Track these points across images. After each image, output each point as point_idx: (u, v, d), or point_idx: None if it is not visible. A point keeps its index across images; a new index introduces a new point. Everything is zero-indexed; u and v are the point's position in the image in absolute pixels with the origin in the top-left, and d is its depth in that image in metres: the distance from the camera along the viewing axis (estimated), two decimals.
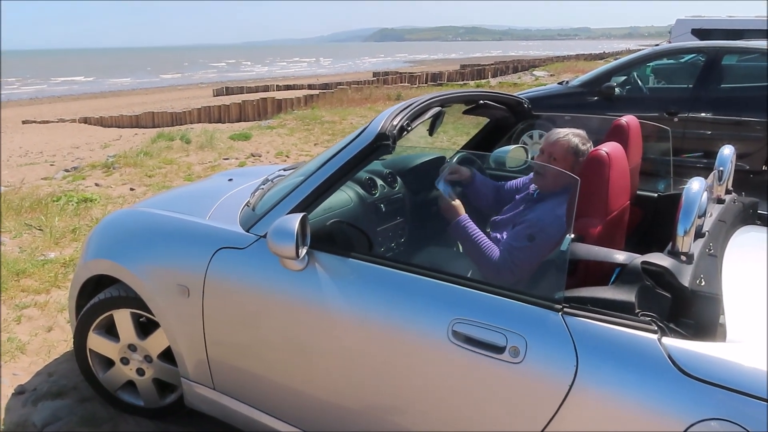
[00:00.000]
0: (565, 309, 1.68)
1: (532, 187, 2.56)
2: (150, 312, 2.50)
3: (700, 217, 1.94)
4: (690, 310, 1.70)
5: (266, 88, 31.99)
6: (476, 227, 2.36)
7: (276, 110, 19.67)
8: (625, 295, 1.67)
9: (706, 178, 2.48)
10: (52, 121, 22.23)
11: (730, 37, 13.46)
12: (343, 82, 29.24)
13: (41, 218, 5.27)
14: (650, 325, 1.59)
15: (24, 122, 22.21)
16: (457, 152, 3.31)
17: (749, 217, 2.53)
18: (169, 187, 6.25)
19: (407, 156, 3.24)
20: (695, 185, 1.83)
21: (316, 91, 24.57)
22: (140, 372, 2.70)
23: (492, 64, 36.75)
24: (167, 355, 2.57)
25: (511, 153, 3.33)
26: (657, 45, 8.29)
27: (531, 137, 7.02)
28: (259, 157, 8.43)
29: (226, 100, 24.97)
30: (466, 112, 2.92)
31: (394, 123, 2.11)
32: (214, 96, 31.04)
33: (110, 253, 2.63)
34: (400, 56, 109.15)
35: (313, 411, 2.16)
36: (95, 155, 11.11)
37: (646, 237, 2.66)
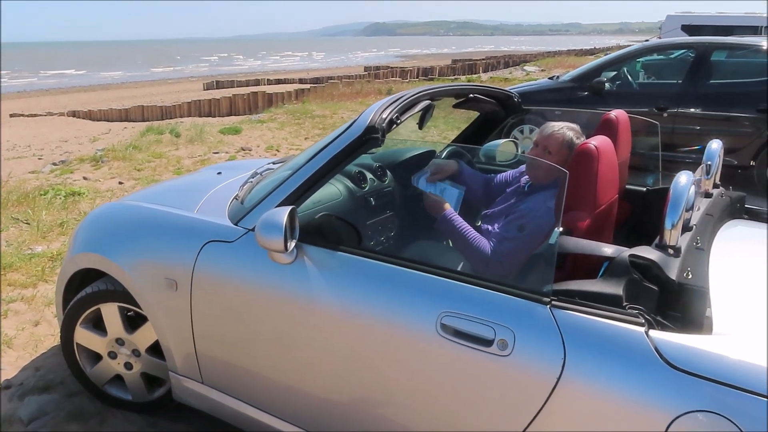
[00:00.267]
0: (553, 302, 1.68)
1: (524, 179, 2.56)
2: (138, 306, 2.48)
3: (687, 210, 1.94)
4: (677, 303, 1.70)
5: (257, 82, 31.86)
6: (462, 220, 2.36)
7: (267, 104, 19.60)
8: (613, 288, 1.67)
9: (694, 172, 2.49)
10: (40, 115, 22.04)
11: (720, 33, 13.53)
12: (334, 77, 29.14)
13: (28, 212, 5.22)
14: (637, 318, 1.59)
15: (12, 115, 22.00)
16: (447, 146, 3.31)
17: (736, 211, 2.54)
18: (158, 181, 6.21)
19: (397, 150, 3.23)
20: (683, 179, 1.84)
21: (307, 86, 24.50)
22: (128, 366, 2.69)
23: (483, 59, 36.74)
24: (155, 349, 2.56)
25: (501, 147, 3.33)
26: (647, 41, 8.30)
27: (522, 132, 7.03)
28: (249, 151, 8.40)
29: (217, 93, 24.85)
30: (456, 106, 2.91)
31: (384, 116, 2.10)
32: (205, 90, 30.88)
33: (97, 247, 2.61)
34: (392, 50, 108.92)
35: (301, 405, 2.15)
36: (84, 149, 11.02)
37: (635, 231, 2.68)
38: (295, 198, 2.14)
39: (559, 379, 1.61)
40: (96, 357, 2.75)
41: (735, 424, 1.42)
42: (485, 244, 2.26)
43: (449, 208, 2.40)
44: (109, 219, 2.76)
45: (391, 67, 36.92)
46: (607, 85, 7.06)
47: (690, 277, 1.73)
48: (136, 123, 18.64)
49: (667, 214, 1.78)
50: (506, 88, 3.17)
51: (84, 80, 44.81)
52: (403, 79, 27.23)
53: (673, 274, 1.70)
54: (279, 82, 31.51)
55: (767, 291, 1.82)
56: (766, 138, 6.48)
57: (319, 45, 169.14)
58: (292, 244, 2.01)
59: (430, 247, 2.79)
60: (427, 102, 2.40)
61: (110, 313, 2.62)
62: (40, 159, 9.77)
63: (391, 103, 2.18)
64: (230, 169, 3.20)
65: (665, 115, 6.73)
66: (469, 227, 2.33)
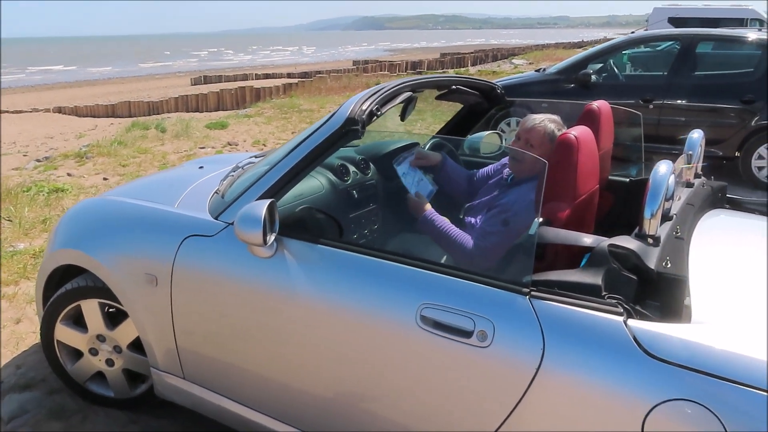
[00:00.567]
0: (532, 293, 1.67)
1: (506, 172, 2.55)
2: (118, 302, 2.46)
3: (667, 200, 1.94)
4: (656, 293, 1.70)
5: (245, 77, 31.67)
6: (443, 219, 2.34)
7: (254, 99, 19.49)
8: (592, 278, 1.67)
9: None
10: (26, 111, 21.80)
11: (706, 25, 13.59)
12: (323, 71, 29.04)
13: (10, 209, 5.16)
14: (616, 307, 1.59)
15: None
16: (431, 138, 3.30)
17: (718, 200, 2.54)
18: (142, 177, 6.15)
19: (380, 142, 3.21)
20: (662, 168, 1.84)
21: (295, 80, 24.38)
22: (109, 363, 2.66)
23: (472, 53, 36.72)
24: (137, 345, 2.54)
25: (486, 139, 3.32)
26: (632, 32, 8.33)
27: (509, 125, 7.03)
28: (236, 145, 8.35)
29: (204, 89, 24.67)
30: (438, 98, 2.90)
31: (363, 108, 2.09)
32: (192, 85, 30.65)
33: (77, 243, 2.58)
34: (382, 44, 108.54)
35: (282, 399, 2.14)
36: (70, 145, 10.90)
37: (618, 221, 2.67)
38: (275, 191, 2.12)
39: (538, 369, 1.60)
40: (77, 354, 2.73)
41: (713, 412, 1.42)
42: (468, 240, 2.25)
43: (430, 208, 2.39)
44: (88, 215, 2.73)
45: (380, 61, 36.82)
46: (593, 77, 7.07)
47: (669, 266, 1.73)
48: (123, 119, 18.47)
49: (647, 203, 1.78)
50: (493, 81, 3.16)
51: (70, 76, 44.34)
52: (392, 72, 27.15)
53: (652, 264, 1.70)
54: (267, 76, 31.31)
55: (746, 280, 1.83)
56: (751, 129, 6.51)
57: (310, 39, 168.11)
58: (271, 238, 2.00)
59: (414, 240, 2.78)
60: (409, 94, 2.39)
61: (90, 309, 2.59)
62: (25, 156, 9.66)
63: (371, 95, 2.16)
64: (212, 163, 3.17)
65: (651, 106, 6.75)
66: (451, 225, 2.32)
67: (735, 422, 1.40)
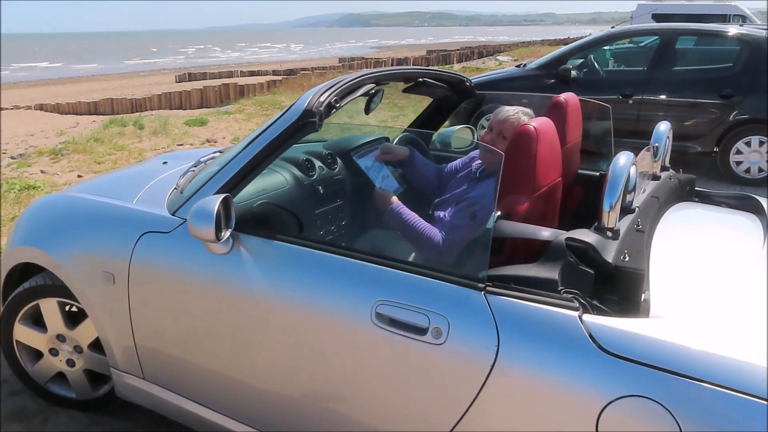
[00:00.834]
0: (487, 288, 1.63)
1: (474, 165, 2.52)
2: (77, 300, 2.40)
3: (629, 192, 1.91)
4: (614, 287, 1.67)
5: (230, 74, 31.40)
6: (410, 211, 2.31)
7: (238, 96, 19.35)
8: (549, 272, 1.63)
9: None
10: (7, 108, 21.51)
11: (690, 21, 13.63)
12: (308, 68, 28.89)
13: None
14: (572, 302, 1.55)
15: None
16: (403, 132, 3.26)
17: (686, 194, 2.52)
18: None
19: (349, 137, 3.16)
20: (622, 160, 1.80)
21: (280, 77, 24.23)
22: (70, 363, 2.60)
23: (458, 50, 36.68)
24: (98, 345, 2.48)
25: (457, 133, 3.28)
26: (613, 27, 8.34)
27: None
28: (215, 142, 8.26)
29: (188, 86, 24.46)
30: (405, 91, 2.85)
31: (321, 100, 2.04)
32: (177, 82, 30.37)
33: (35, 240, 2.52)
34: (371, 41, 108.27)
35: (241, 398, 2.09)
36: (50, 142, 10.71)
37: (588, 215, 2.64)
38: (232, 186, 2.08)
39: (492, 366, 1.57)
40: (37, 354, 2.66)
41: (667, 409, 1.39)
42: (436, 234, 2.21)
43: (396, 201, 2.35)
44: (48, 211, 2.66)
45: (366, 59, 36.71)
46: (573, 72, 7.06)
47: (627, 259, 1.70)
48: (106, 116, 18.24)
49: (605, 195, 1.75)
50: (473, 77, 3.12)
51: (54, 73, 43.79)
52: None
53: (609, 257, 1.66)
54: (252, 74, 31.09)
55: (709, 274, 1.80)
56: (729, 124, 6.52)
57: (298, 36, 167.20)
58: (226, 234, 1.95)
59: (385, 236, 2.74)
60: (372, 86, 2.34)
61: (50, 308, 2.53)
62: (4, 153, 9.53)
63: (330, 87, 2.11)
64: (177, 158, 3.11)
65: (631, 102, 6.75)
66: (418, 218, 2.29)
67: (690, 420, 1.37)
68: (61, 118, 18.84)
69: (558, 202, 2.24)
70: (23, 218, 2.71)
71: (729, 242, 2.04)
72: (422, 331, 1.66)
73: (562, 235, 1.71)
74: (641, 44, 9.65)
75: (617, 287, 1.67)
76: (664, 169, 2.52)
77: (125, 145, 7.69)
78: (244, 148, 2.11)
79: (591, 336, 1.49)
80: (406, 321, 1.68)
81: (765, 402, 1.31)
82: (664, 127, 2.50)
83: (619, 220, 1.81)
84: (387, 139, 3.13)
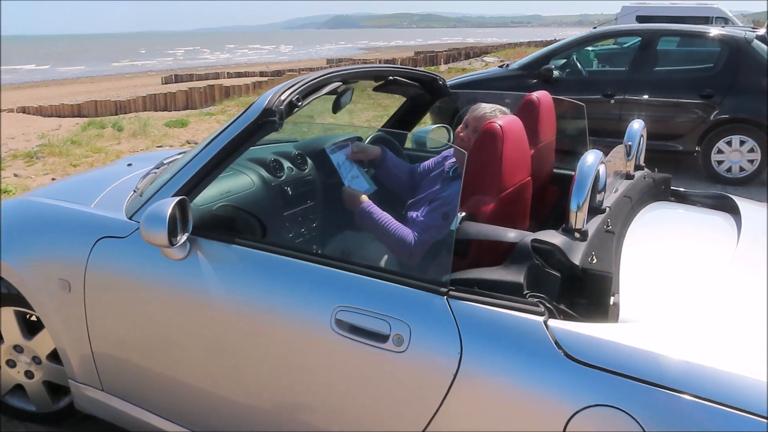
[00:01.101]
0: (450, 292, 1.56)
1: (447, 164, 2.45)
2: (33, 309, 2.30)
3: (599, 192, 1.85)
4: (582, 290, 1.60)
5: (216, 76, 31.21)
6: (382, 211, 2.24)
7: (223, 97, 19.24)
8: (514, 275, 1.56)
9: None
10: None
11: (673, 22, 13.68)
12: (296, 69, 28.76)
13: None
14: (537, 306, 1.48)
15: None
16: (377, 131, 3.19)
17: (661, 193, 2.46)
18: None
19: (319, 137, 3.09)
20: (589, 158, 1.74)
21: (266, 78, 24.11)
22: (29, 375, 2.50)
23: (445, 51, 36.68)
24: (57, 356, 2.38)
25: (433, 132, 3.22)
26: (594, 27, 8.33)
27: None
28: (196, 143, 8.15)
29: (174, 88, 24.26)
30: (376, 89, 2.78)
31: (282, 98, 1.96)
32: (163, 84, 30.11)
33: None
34: (361, 43, 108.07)
35: (202, 408, 2.00)
36: (30, 146, 10.60)
37: (563, 216, 2.58)
38: (189, 189, 1.99)
39: (456, 374, 1.49)
40: None
41: (634, 418, 1.32)
42: (408, 234, 2.14)
43: (367, 200, 2.28)
44: (4, 217, 2.56)
45: (354, 60, 36.66)
46: (555, 72, 7.03)
47: (595, 261, 1.63)
48: (89, 119, 18.04)
49: (572, 195, 1.68)
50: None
51: (40, 75, 43.28)
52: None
53: (576, 259, 1.60)
54: (239, 75, 30.92)
55: (683, 276, 1.74)
56: (710, 123, 6.51)
57: (287, 38, 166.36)
58: (182, 238, 1.86)
59: (355, 238, 2.67)
60: (337, 84, 2.27)
61: (6, 318, 2.43)
62: None
63: (293, 85, 2.04)
64: (142, 160, 3.01)
65: (613, 101, 6.73)
66: (390, 218, 2.22)
67: (657, 430, 1.30)
68: (44, 121, 18.58)
69: (528, 202, 2.17)
70: None
71: (703, 243, 1.98)
72: (383, 338, 1.58)
73: (528, 236, 1.64)
74: (625, 45, 9.64)
75: (585, 290, 1.60)
76: (638, 168, 2.46)
77: (103, 147, 7.56)
78: (203, 149, 2.03)
79: (557, 342, 1.42)
80: (366, 328, 1.61)
81: (740, 413, 1.25)
82: (637, 126, 2.44)
83: (588, 221, 1.75)
84: (360, 139, 3.06)
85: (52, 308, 2.22)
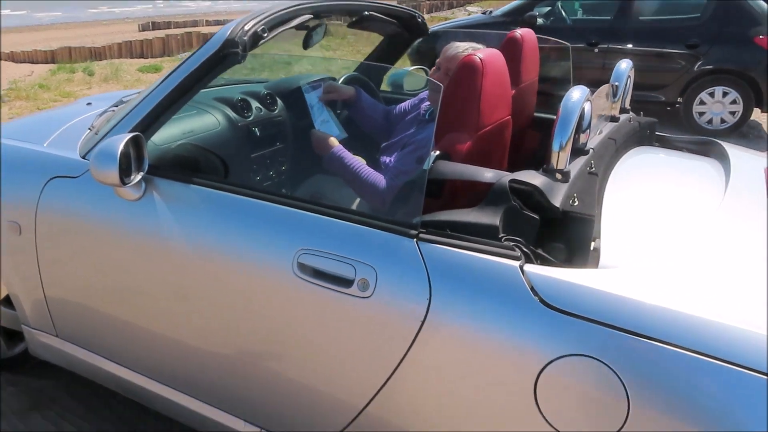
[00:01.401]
0: (420, 235, 1.46)
1: (423, 107, 2.32)
2: None
3: (583, 132, 1.74)
4: (561, 234, 1.51)
5: (195, 23, 30.24)
6: (353, 156, 2.12)
7: (201, 44, 18.64)
8: (489, 217, 1.46)
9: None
10: None
11: None
12: None
13: None
14: (513, 250, 1.38)
15: None
16: (353, 71, 3.04)
17: (646, 137, 2.36)
18: None
19: (291, 77, 2.93)
20: (575, 94, 1.62)
21: None
22: None
23: (428, 0, 35.91)
24: (11, 301, 2.26)
25: (410, 74, 3.07)
26: None
27: None
28: None
29: (151, 35, 23.48)
30: (351, 26, 2.61)
31: (246, 29, 1.81)
32: (140, 31, 29.15)
33: None
34: None
35: (158, 354, 1.91)
36: None
37: (543, 161, 2.48)
38: (146, 126, 1.85)
39: (424, 321, 1.40)
40: None
41: (613, 369, 1.24)
42: (380, 180, 2.02)
43: (337, 144, 2.15)
44: None
45: None
46: (539, 20, 6.85)
47: (576, 204, 1.53)
48: (59, 64, 17.46)
49: (555, 133, 1.56)
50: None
51: (14, 21, 41.63)
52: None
53: (557, 201, 1.50)
54: (218, 23, 30.00)
55: (667, 222, 1.65)
56: (693, 74, 6.41)
57: None
58: (136, 177, 1.74)
59: (326, 182, 2.55)
60: (308, 17, 2.11)
61: None
62: None
63: (258, 16, 1.88)
64: (103, 99, 2.84)
65: (596, 50, 6.58)
66: (361, 163, 2.09)
67: (638, 382, 1.22)
68: (16, 68, 17.89)
69: (507, 143, 2.06)
70: None
71: (689, 188, 1.89)
72: (347, 282, 1.48)
73: (506, 176, 1.53)
74: None
75: (565, 234, 1.51)
76: (623, 111, 2.36)
77: (72, 91, 7.28)
78: (161, 84, 1.88)
79: (532, 288, 1.33)
80: (330, 272, 1.51)
81: (723, 363, 1.17)
82: (625, 65, 2.32)
83: (570, 162, 1.64)
84: (333, 80, 2.91)
85: (2, 251, 2.09)
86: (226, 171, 2.08)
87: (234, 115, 2.46)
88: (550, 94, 2.75)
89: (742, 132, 6.67)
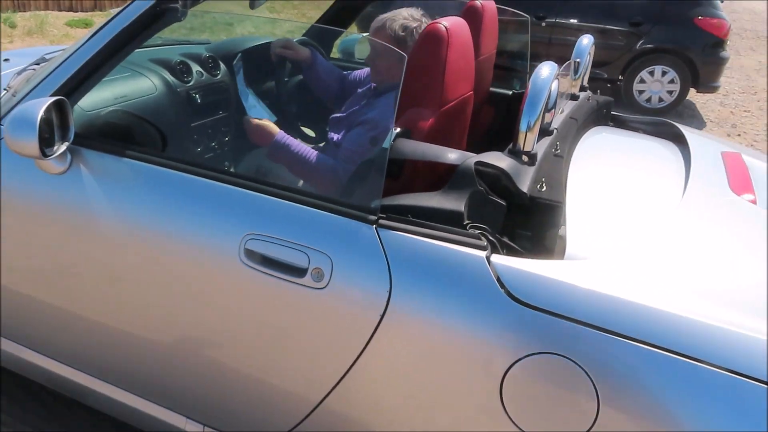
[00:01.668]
0: (380, 221, 1.35)
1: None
2: None
3: (549, 111, 1.65)
4: (527, 221, 1.43)
5: None
6: (299, 143, 1.94)
7: None
8: (453, 203, 1.36)
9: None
10: None
11: None
12: None
13: None
14: (479, 239, 1.30)
15: None
16: (304, 34, 2.87)
17: (602, 117, 2.31)
18: None
19: (236, 39, 2.74)
20: (544, 71, 1.52)
21: None
22: None
23: None
24: None
25: (363, 41, 2.92)
26: None
27: None
28: None
29: None
30: None
31: None
32: None
33: None
34: None
35: (88, 344, 1.74)
36: None
37: (498, 138, 2.40)
38: (72, 88, 1.64)
39: (383, 314, 1.30)
40: None
41: (582, 368, 1.18)
42: (332, 167, 1.88)
43: (280, 132, 1.94)
44: None
45: None
46: None
47: (544, 189, 1.45)
48: None
49: (524, 112, 1.46)
50: None
51: None
52: None
53: (524, 186, 1.41)
54: None
55: (633, 207, 1.60)
56: (635, 52, 6.49)
57: None
58: (60, 148, 1.54)
59: None
60: None
61: None
62: None
63: None
64: (22, 56, 2.57)
65: (543, 24, 6.56)
66: (309, 149, 1.93)
67: (609, 382, 1.16)
68: None
69: (468, 120, 1.96)
70: None
71: (652, 174, 1.84)
72: (300, 272, 1.36)
73: (472, 158, 1.43)
74: None
75: (531, 222, 1.43)
76: (582, 88, 2.30)
77: None
78: (89, 40, 1.67)
79: (499, 280, 1.25)
80: (280, 259, 1.38)
81: (696, 362, 1.12)
82: (587, 41, 2.25)
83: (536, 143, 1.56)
84: (289, 41, 2.72)
85: None
86: (164, 142, 1.90)
87: (172, 79, 2.26)
88: (505, 68, 2.67)
89: (678, 111, 6.84)
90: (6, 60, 2.47)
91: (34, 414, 2.10)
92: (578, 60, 2.18)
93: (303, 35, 2.87)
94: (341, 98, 2.31)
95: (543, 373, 1.20)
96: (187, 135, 2.27)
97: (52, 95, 1.61)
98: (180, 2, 1.59)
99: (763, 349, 1.12)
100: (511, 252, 1.34)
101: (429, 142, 1.60)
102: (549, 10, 6.59)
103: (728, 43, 6.65)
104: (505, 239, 1.37)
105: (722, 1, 6.80)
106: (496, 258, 1.27)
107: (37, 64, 2.15)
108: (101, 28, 1.68)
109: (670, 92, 6.59)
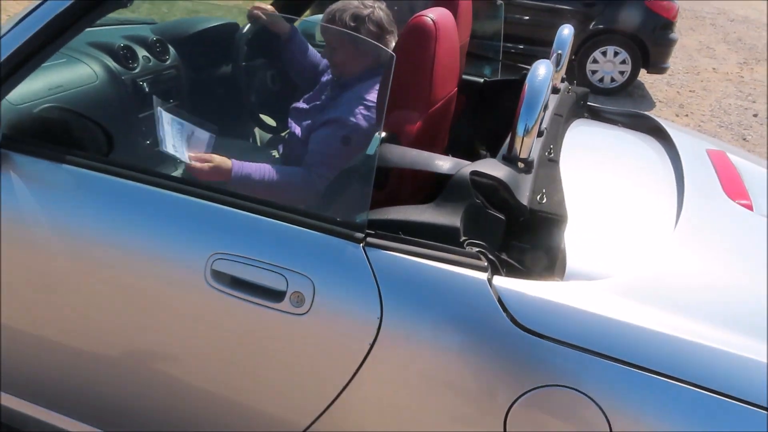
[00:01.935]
0: (368, 239, 1.20)
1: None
2: None
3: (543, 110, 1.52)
4: (526, 236, 1.31)
5: None
6: (257, 165, 1.75)
7: None
8: (448, 217, 1.22)
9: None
10: None
11: None
12: None
13: None
14: (479, 259, 1.16)
15: None
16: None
17: (580, 109, 2.21)
18: None
19: (185, 20, 2.51)
20: (541, 70, 1.39)
21: None
22: None
23: None
24: None
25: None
26: None
27: None
28: None
29: None
30: None
31: None
32: None
33: None
34: None
35: (24, 360, 1.54)
36: None
37: (469, 130, 2.27)
38: None
39: (373, 344, 1.16)
40: None
41: (595, 402, 1.07)
42: (303, 178, 1.72)
43: (233, 164, 1.72)
44: None
45: None
46: None
47: (544, 200, 1.33)
48: None
49: (521, 115, 1.33)
50: None
51: None
52: None
53: (524, 198, 1.28)
54: None
55: (631, 212, 1.49)
56: (588, 33, 6.48)
57: None
58: None
59: (234, 147, 2.19)
60: None
61: None
62: None
63: None
64: None
65: (498, 3, 6.44)
66: (269, 168, 1.76)
67: (624, 416, 1.06)
68: None
69: (450, 120, 1.82)
70: None
71: (644, 177, 1.73)
72: (277, 295, 1.20)
73: (466, 167, 1.29)
74: None
75: (531, 237, 1.31)
76: (561, 80, 2.18)
77: None
78: (18, 24, 1.44)
79: (503, 306, 1.12)
80: (253, 282, 1.22)
81: (719, 396, 1.03)
82: (567, 32, 2.14)
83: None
84: (237, 26, 2.51)
85: None
86: (110, 141, 1.69)
87: (116, 66, 2.03)
88: (476, 55, 2.54)
89: (629, 91, 6.89)
90: None
91: None
92: (560, 52, 2.06)
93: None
94: (311, 82, 2.14)
95: (551, 406, 1.09)
96: (134, 130, 2.05)
97: None
98: None
99: None
100: (511, 271, 1.22)
101: (416, 147, 1.45)
102: None
103: (676, 25, 6.71)
104: (504, 256, 1.24)
105: None
106: (498, 280, 1.15)
107: None
108: (35, 8, 1.45)
109: (622, 72, 6.63)
